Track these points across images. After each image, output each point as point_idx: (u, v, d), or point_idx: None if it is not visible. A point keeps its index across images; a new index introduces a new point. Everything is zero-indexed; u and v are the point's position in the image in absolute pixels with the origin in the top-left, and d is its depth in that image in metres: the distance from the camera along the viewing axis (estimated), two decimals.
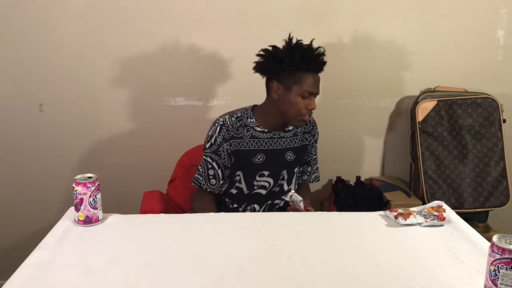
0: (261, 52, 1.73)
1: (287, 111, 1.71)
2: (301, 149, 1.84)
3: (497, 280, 0.98)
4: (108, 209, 1.48)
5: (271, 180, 1.79)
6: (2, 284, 1.12)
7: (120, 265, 1.19)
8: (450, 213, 1.48)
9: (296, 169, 1.85)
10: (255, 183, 1.77)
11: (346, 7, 2.26)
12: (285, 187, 1.83)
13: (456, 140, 2.24)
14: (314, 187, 2.43)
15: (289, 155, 1.80)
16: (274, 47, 1.72)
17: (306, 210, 1.68)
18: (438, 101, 2.25)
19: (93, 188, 1.37)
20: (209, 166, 1.76)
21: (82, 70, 2.26)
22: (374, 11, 2.28)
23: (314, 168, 1.93)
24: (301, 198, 1.67)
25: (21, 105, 2.29)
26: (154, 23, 2.22)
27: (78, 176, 1.40)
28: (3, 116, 2.29)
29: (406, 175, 2.44)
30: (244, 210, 1.80)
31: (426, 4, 2.28)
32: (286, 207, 1.85)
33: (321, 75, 2.30)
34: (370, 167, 2.46)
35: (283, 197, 1.76)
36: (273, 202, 1.82)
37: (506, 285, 0.97)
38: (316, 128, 1.90)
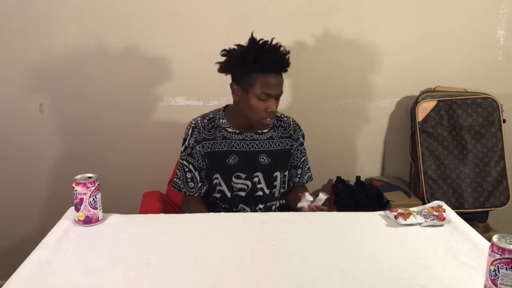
0: (223, 52, 1.70)
1: (248, 114, 1.68)
2: (278, 154, 1.79)
3: (497, 280, 0.98)
4: (108, 209, 1.48)
5: (248, 183, 1.75)
6: (2, 284, 1.12)
7: (120, 265, 1.19)
8: (450, 213, 1.48)
9: (276, 174, 1.78)
10: (233, 184, 1.75)
11: (346, 7, 2.26)
12: (266, 191, 1.78)
13: (456, 140, 2.24)
14: (314, 187, 2.43)
15: (262, 158, 1.76)
16: (237, 45, 1.68)
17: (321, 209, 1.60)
18: (438, 101, 2.25)
19: (93, 188, 1.37)
20: (186, 169, 1.76)
21: (82, 70, 2.26)
22: (374, 11, 2.28)
23: (306, 169, 1.88)
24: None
25: (21, 105, 2.29)
26: (154, 23, 2.22)
27: (78, 176, 1.40)
28: (3, 116, 2.29)
29: (406, 175, 2.44)
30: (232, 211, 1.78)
31: (426, 4, 2.28)
32: (282, 208, 1.84)
33: (321, 74, 2.33)
34: (370, 167, 2.46)
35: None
36: (266, 205, 1.80)
37: (506, 285, 0.97)
38: (299, 131, 1.84)
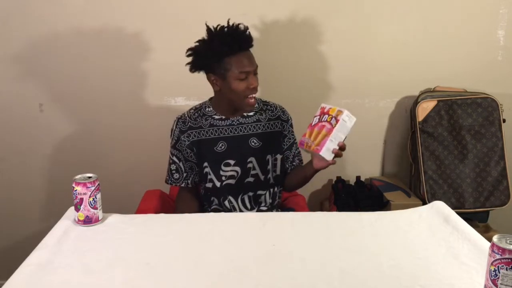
0: (189, 52, 1.73)
1: (232, 98, 1.71)
2: (269, 136, 1.79)
3: (497, 280, 0.98)
4: (108, 209, 1.48)
5: (238, 169, 1.76)
6: (2, 284, 1.12)
7: (120, 265, 1.19)
8: (450, 213, 1.48)
9: (268, 157, 1.79)
10: (221, 173, 1.75)
11: (346, 7, 2.26)
12: (261, 177, 1.78)
13: (456, 140, 2.24)
14: (314, 187, 2.43)
15: (253, 142, 1.77)
16: (199, 41, 1.72)
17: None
18: (438, 101, 2.25)
19: (93, 188, 1.37)
20: (171, 161, 1.81)
21: (82, 70, 2.26)
22: (374, 11, 2.28)
23: (296, 152, 1.88)
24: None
25: (21, 105, 2.29)
26: (153, 23, 2.22)
27: (78, 176, 1.40)
28: (3, 116, 2.29)
29: (406, 175, 2.44)
30: (222, 204, 1.78)
31: (426, 4, 2.28)
32: (273, 199, 1.83)
33: (321, 74, 2.33)
34: (370, 167, 2.46)
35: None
36: (255, 193, 1.79)
37: (506, 285, 0.97)
38: (287, 114, 1.86)
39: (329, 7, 2.25)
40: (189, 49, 1.73)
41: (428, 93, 2.28)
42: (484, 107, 2.23)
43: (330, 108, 1.55)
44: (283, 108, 1.87)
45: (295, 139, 1.87)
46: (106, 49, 2.24)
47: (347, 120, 1.50)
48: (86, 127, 2.33)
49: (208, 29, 1.71)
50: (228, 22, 1.70)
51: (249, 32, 1.72)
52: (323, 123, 1.55)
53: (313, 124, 1.58)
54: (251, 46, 1.71)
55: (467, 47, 2.33)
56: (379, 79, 2.35)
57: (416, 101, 2.28)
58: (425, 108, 2.24)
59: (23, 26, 2.19)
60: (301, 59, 2.31)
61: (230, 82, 1.66)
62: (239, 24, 1.71)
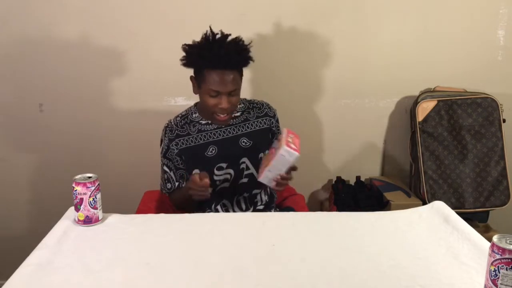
0: (183, 46, 1.69)
1: (203, 108, 1.70)
2: (259, 134, 1.78)
3: (497, 280, 0.98)
4: (108, 209, 1.48)
5: (231, 171, 1.75)
6: (2, 284, 1.12)
7: (120, 265, 1.19)
8: (450, 213, 1.48)
9: (261, 155, 1.77)
10: (215, 177, 1.74)
11: (346, 7, 2.26)
12: (257, 176, 1.74)
13: (456, 140, 2.24)
14: (314, 187, 2.43)
15: (243, 142, 1.75)
16: (193, 41, 1.68)
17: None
18: (438, 101, 2.25)
19: (93, 188, 1.37)
20: (162, 170, 1.80)
21: (82, 70, 2.26)
22: (374, 11, 2.27)
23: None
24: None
25: (21, 105, 2.29)
26: (153, 24, 2.22)
27: (78, 176, 1.40)
28: (3, 116, 2.29)
29: (406, 175, 2.44)
30: (215, 209, 1.77)
31: (426, 4, 2.28)
32: (269, 196, 1.83)
33: (321, 74, 2.33)
34: (370, 167, 2.46)
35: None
36: (250, 194, 1.79)
37: (506, 285, 0.97)
38: (273, 109, 1.84)
39: (329, 7, 2.25)
40: (184, 44, 1.70)
41: (428, 93, 2.28)
42: (484, 107, 2.24)
43: (281, 138, 1.56)
44: (269, 104, 1.86)
45: (279, 130, 1.86)
46: (106, 49, 2.24)
47: (285, 154, 1.50)
48: (86, 127, 2.33)
49: (203, 34, 1.67)
50: (224, 35, 1.64)
51: (244, 53, 1.64)
52: (273, 150, 1.59)
53: (273, 145, 1.61)
54: (236, 67, 1.64)
55: (467, 47, 2.33)
56: (379, 79, 2.35)
57: (416, 101, 2.28)
58: (425, 108, 2.24)
59: (23, 26, 2.19)
60: (301, 59, 2.31)
61: (202, 94, 1.66)
62: (239, 41, 1.65)
